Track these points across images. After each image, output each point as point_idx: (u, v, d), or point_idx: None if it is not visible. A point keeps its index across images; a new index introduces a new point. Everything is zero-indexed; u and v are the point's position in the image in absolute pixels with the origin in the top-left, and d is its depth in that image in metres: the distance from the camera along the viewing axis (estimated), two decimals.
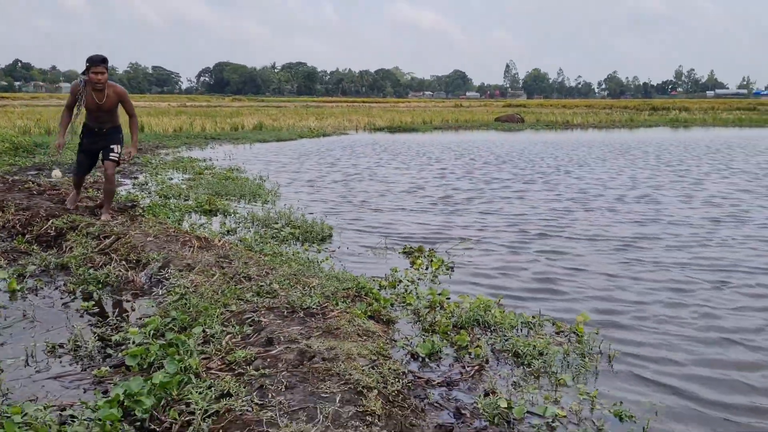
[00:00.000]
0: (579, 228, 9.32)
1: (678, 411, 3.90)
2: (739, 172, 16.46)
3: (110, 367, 4.22)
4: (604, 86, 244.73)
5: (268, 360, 4.13)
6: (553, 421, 3.71)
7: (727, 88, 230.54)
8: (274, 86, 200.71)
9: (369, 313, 5.18)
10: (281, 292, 5.38)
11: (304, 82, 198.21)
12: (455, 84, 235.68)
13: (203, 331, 4.63)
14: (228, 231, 8.49)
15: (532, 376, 4.33)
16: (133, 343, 4.56)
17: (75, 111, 7.44)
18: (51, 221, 7.56)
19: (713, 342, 4.99)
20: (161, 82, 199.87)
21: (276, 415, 3.30)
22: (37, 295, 5.72)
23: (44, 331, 4.87)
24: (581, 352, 4.70)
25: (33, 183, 10.14)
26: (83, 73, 7.23)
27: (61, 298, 5.64)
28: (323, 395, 3.58)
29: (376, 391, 3.72)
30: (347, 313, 5.07)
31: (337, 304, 5.17)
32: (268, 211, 9.71)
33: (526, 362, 4.50)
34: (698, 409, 3.93)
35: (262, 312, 4.95)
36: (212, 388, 3.64)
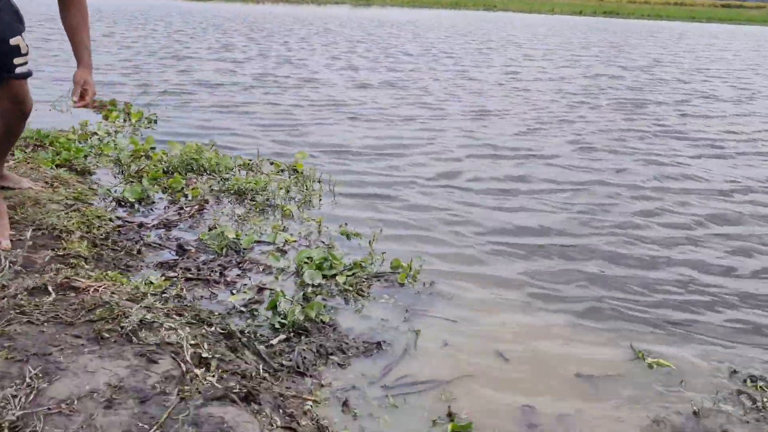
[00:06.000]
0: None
1: (400, 223, 4.07)
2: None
3: None
4: None
5: None
6: (284, 246, 3.57)
7: None
8: None
9: (57, 162, 4.35)
10: None
11: None
12: None
13: None
14: None
15: (257, 211, 4.11)
16: None
17: None
18: None
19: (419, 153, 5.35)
20: None
21: None
22: None
23: None
24: (303, 185, 4.62)
25: None
26: None
27: None
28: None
29: (79, 234, 3.12)
30: (29, 163, 4.18)
31: (13, 154, 4.22)
32: None
33: (249, 198, 4.26)
34: (416, 220, 4.16)
35: None
36: None
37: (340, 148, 5.86)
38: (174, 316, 2.42)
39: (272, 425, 1.90)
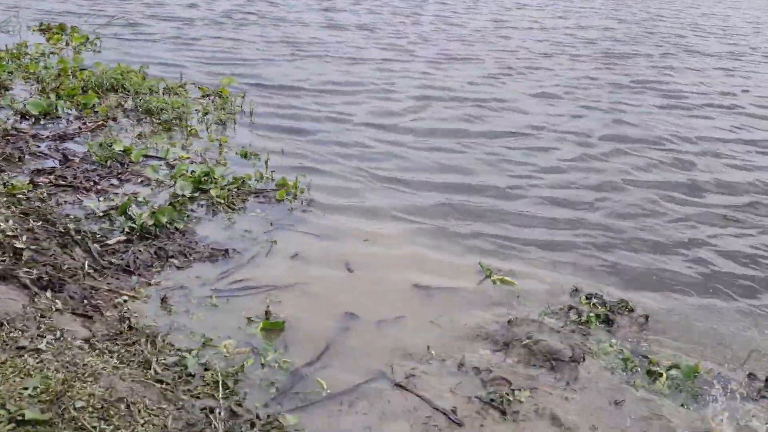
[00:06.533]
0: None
1: (307, 152, 4.01)
2: None
3: None
4: None
5: None
6: (174, 161, 3.53)
7: None
8: None
9: None
10: None
11: None
12: None
13: None
14: None
15: (164, 129, 4.06)
16: None
17: None
18: None
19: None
20: None
21: None
22: None
23: None
24: (222, 109, 4.54)
25: None
26: None
27: None
28: None
29: None
30: None
31: None
32: None
33: (157, 118, 4.20)
34: (324, 151, 4.09)
35: None
36: None
37: (279, 83, 5.72)
38: (2, 210, 2.40)
39: (51, 308, 1.89)
